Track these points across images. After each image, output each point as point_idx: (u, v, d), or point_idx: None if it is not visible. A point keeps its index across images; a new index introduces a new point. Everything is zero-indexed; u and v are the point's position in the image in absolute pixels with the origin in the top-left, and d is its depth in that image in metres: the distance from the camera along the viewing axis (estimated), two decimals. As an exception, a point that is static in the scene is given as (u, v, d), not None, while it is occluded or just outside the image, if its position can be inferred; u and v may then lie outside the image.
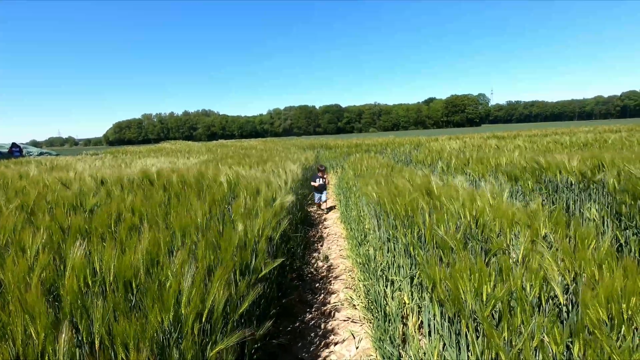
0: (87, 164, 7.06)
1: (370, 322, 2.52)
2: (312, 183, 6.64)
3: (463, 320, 1.36)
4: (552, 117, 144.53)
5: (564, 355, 1.17)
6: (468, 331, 1.35)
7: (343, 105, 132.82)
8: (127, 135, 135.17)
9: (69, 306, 1.03)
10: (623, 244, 2.46)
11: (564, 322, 1.41)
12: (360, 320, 2.68)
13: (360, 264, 3.09)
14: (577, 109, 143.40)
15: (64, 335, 0.86)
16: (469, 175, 4.98)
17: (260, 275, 1.68)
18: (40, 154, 25.96)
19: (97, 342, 0.96)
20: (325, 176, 6.66)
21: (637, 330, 1.14)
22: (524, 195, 3.58)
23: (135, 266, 1.34)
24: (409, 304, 2.24)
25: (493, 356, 1.29)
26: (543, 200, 3.35)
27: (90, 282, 1.22)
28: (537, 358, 1.21)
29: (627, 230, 2.44)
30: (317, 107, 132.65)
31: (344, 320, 2.75)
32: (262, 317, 1.86)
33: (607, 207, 2.71)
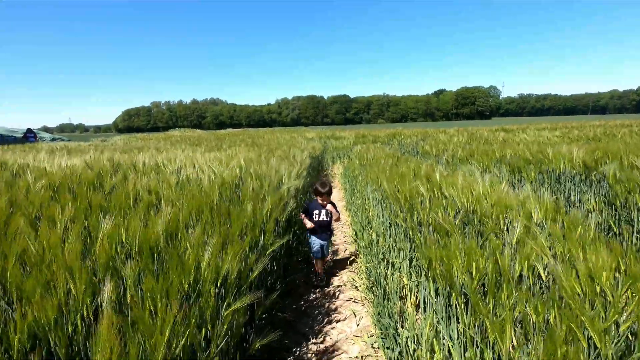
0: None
1: (371, 302, 2.66)
2: (305, 220, 3.19)
3: (454, 294, 1.49)
4: (565, 111, 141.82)
5: (543, 325, 1.29)
6: (458, 303, 1.48)
7: (352, 96, 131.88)
8: (136, 122, 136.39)
9: (103, 267, 1.17)
10: (616, 232, 2.54)
11: (544, 294, 1.52)
12: (362, 301, 2.83)
13: (363, 247, 3.22)
14: (591, 103, 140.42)
15: (107, 287, 1.01)
16: (473, 166, 5.05)
17: (268, 251, 1.82)
18: (53, 139, 26.48)
19: (128, 297, 1.10)
20: (328, 205, 3.20)
21: (609, 303, 1.25)
22: (526, 186, 3.66)
23: (156, 237, 1.48)
24: (407, 284, 2.37)
25: (479, 325, 1.42)
26: (545, 190, 3.43)
27: (118, 250, 1.37)
28: (518, 327, 1.33)
29: (621, 219, 2.53)
30: (326, 97, 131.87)
31: (347, 300, 2.90)
32: (269, 290, 2.01)
33: (606, 197, 2.80)
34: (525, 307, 1.34)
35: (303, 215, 3.26)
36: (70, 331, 1.04)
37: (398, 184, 2.98)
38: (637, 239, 2.42)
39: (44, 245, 1.40)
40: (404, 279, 2.43)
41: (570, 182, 3.24)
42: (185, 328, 1.01)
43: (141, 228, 1.47)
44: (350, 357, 2.23)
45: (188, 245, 1.48)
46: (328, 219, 3.24)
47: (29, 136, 19.47)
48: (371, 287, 2.73)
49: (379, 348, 2.19)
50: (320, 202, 3.22)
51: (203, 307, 1.16)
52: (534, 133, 10.99)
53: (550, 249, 1.64)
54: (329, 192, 3.23)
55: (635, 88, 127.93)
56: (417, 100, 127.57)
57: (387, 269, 2.60)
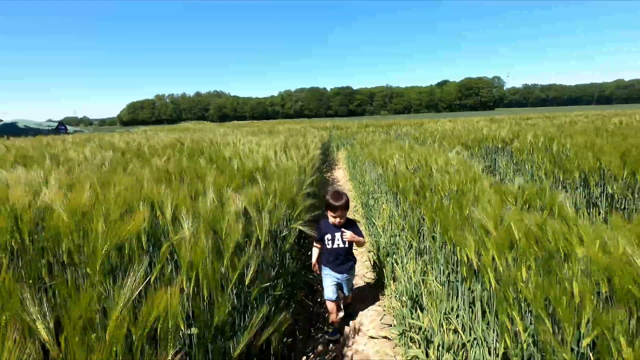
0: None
1: (364, 219, 4.41)
2: (316, 246, 2.52)
3: (399, 194, 3.21)
4: (570, 101, 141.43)
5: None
6: (400, 198, 3.20)
7: (355, 88, 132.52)
8: (140, 115, 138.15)
9: (248, 173, 2.91)
10: (512, 178, 4.26)
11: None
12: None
13: (360, 193, 4.98)
14: (596, 93, 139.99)
15: (258, 177, 2.74)
16: (445, 146, 6.76)
17: (308, 181, 3.55)
18: (75, 131, 28.38)
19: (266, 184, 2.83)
20: (346, 232, 2.34)
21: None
22: (472, 156, 5.39)
23: (258, 166, 3.23)
24: (385, 208, 4.11)
25: (412, 208, 3.14)
26: (470, 154, 5.15)
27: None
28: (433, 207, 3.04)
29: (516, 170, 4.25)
30: (329, 89, 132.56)
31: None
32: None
33: (511, 159, 4.50)
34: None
35: (316, 249, 2.49)
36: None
37: (383, 153, 4.70)
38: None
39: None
40: (383, 205, 4.17)
41: (495, 152, 4.95)
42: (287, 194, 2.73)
43: (251, 162, 3.21)
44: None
45: (273, 170, 3.21)
46: (346, 246, 2.37)
47: (61, 128, 21.37)
48: (363, 214, 4.48)
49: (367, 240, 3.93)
50: (333, 221, 2.34)
51: (292, 188, 2.89)
52: (513, 122, 12.62)
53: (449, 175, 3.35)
54: (346, 206, 2.31)
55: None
56: (420, 91, 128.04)
57: (373, 201, 4.36)
